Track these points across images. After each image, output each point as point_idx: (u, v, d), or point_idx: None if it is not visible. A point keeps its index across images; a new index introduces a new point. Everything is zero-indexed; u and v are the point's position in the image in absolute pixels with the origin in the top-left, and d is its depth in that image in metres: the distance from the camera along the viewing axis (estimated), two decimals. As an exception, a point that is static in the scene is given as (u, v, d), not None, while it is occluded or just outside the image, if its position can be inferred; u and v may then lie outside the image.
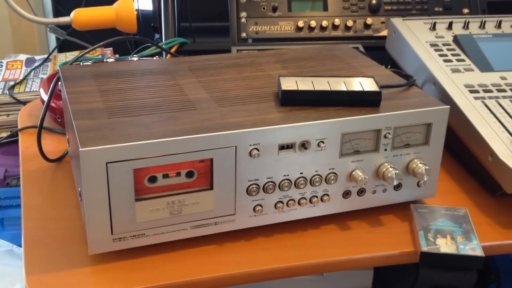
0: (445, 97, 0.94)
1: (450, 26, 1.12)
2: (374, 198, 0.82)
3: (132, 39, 1.39)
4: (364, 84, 0.81)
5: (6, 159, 1.27)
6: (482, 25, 1.12)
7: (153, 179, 0.71)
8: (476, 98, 0.93)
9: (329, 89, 0.79)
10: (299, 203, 0.78)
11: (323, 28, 1.35)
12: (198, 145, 0.70)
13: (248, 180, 0.75)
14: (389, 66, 1.23)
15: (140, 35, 1.49)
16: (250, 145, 0.73)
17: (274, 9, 1.35)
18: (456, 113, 0.91)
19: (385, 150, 0.79)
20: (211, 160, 0.72)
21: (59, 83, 0.91)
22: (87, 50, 1.05)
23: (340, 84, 0.80)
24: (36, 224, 0.80)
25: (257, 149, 0.73)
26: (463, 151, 0.93)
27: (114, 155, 0.68)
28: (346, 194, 0.80)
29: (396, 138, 0.79)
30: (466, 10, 1.39)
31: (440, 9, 1.40)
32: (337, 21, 1.35)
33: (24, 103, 1.27)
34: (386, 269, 1.03)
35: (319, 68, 0.93)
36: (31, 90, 1.34)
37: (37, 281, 0.71)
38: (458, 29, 1.12)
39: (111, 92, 0.82)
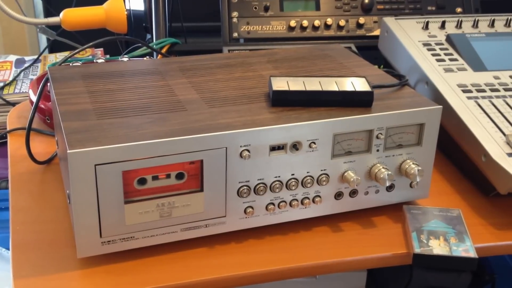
0: (437, 97, 0.94)
1: (443, 26, 1.11)
2: (366, 199, 0.81)
3: (122, 39, 1.38)
4: (356, 84, 0.80)
5: (-5, 161, 1.26)
6: (475, 24, 1.12)
7: (142, 181, 0.70)
8: (469, 98, 0.92)
9: (320, 89, 0.78)
10: (290, 204, 0.78)
11: (315, 28, 1.35)
12: (188, 147, 0.70)
13: (238, 181, 0.74)
14: (381, 66, 1.23)
15: (132, 35, 1.48)
16: (240, 146, 0.72)
17: (266, 9, 1.34)
18: (449, 113, 0.90)
19: (378, 150, 0.78)
20: (201, 161, 0.71)
21: (48, 84, 0.90)
22: (76, 51, 1.04)
23: (332, 84, 0.80)
24: (24, 227, 0.79)
25: (248, 150, 0.72)
26: (456, 152, 0.93)
27: (102, 157, 0.67)
28: (338, 195, 0.80)
29: (388, 139, 0.79)
30: (459, 9, 1.39)
31: (433, 8, 1.39)
32: (329, 21, 1.35)
33: (13, 104, 1.26)
34: (379, 270, 1.02)
35: (311, 68, 0.93)
36: (21, 91, 1.32)
37: (25, 285, 0.70)
38: (451, 28, 1.11)
39: (100, 93, 0.81)
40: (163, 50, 1.35)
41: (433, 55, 1.03)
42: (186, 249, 0.75)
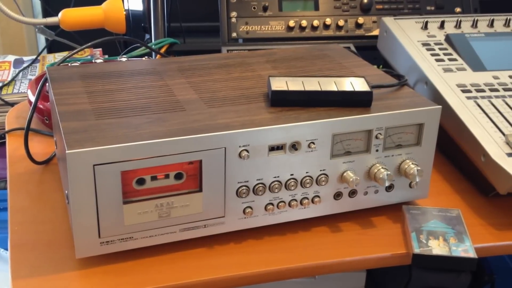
0: (437, 97, 0.93)
1: (442, 25, 1.11)
2: (365, 200, 0.81)
3: (121, 39, 1.38)
4: (355, 84, 0.80)
5: (-6, 161, 1.26)
6: (474, 24, 1.12)
7: (141, 182, 0.70)
8: (468, 97, 0.92)
9: (319, 89, 0.78)
10: (289, 205, 0.77)
11: (314, 28, 1.35)
12: (187, 147, 0.69)
13: (237, 182, 0.74)
14: (380, 66, 1.22)
15: (131, 36, 1.48)
16: (239, 146, 0.72)
17: (265, 9, 1.34)
18: (448, 113, 0.90)
19: (377, 150, 0.78)
20: (200, 161, 0.71)
21: (47, 84, 0.90)
22: (75, 51, 1.04)
23: (330, 84, 0.80)
24: (23, 228, 0.79)
25: (247, 151, 0.72)
26: (455, 152, 0.93)
27: (101, 157, 0.66)
28: (337, 195, 0.80)
29: (388, 139, 0.79)
30: (458, 9, 1.39)
31: (432, 8, 1.39)
32: (328, 21, 1.35)
33: (12, 104, 1.26)
34: (378, 270, 1.02)
35: (310, 68, 0.92)
36: (19, 91, 1.32)
37: (24, 285, 0.69)
38: (450, 28, 1.11)
39: (99, 93, 0.81)
40: (162, 50, 1.35)
41: (432, 55, 1.03)
42: (185, 249, 0.75)
